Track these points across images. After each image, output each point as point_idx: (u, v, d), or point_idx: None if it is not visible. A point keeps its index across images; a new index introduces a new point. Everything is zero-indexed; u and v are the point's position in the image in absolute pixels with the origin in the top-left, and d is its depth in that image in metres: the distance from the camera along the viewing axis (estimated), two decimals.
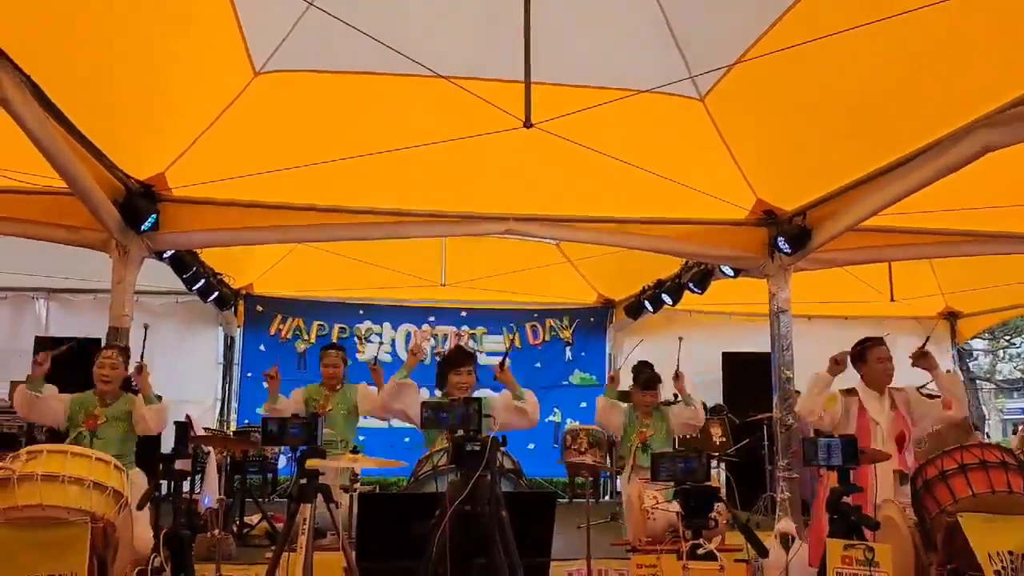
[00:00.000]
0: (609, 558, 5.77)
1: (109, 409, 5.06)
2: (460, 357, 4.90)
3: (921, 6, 4.04)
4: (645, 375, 6.18)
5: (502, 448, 3.22)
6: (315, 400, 6.21)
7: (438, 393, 4.85)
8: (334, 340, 11.35)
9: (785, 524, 6.16)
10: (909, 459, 4.97)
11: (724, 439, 9.08)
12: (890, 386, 5.25)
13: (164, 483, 4.33)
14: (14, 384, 9.65)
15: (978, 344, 23.07)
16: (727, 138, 6.16)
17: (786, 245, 6.84)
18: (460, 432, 3.02)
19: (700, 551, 2.91)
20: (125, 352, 5.30)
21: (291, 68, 5.50)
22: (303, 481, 3.49)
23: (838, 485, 3.24)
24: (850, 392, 5.27)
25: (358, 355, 11.18)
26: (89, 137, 5.44)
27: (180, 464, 4.02)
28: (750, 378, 9.79)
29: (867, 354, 5.21)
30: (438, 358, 11.35)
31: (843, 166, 6.11)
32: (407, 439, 10.16)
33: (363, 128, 6.11)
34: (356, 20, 4.70)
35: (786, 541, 5.83)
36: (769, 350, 7.37)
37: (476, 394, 4.59)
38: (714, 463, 8.13)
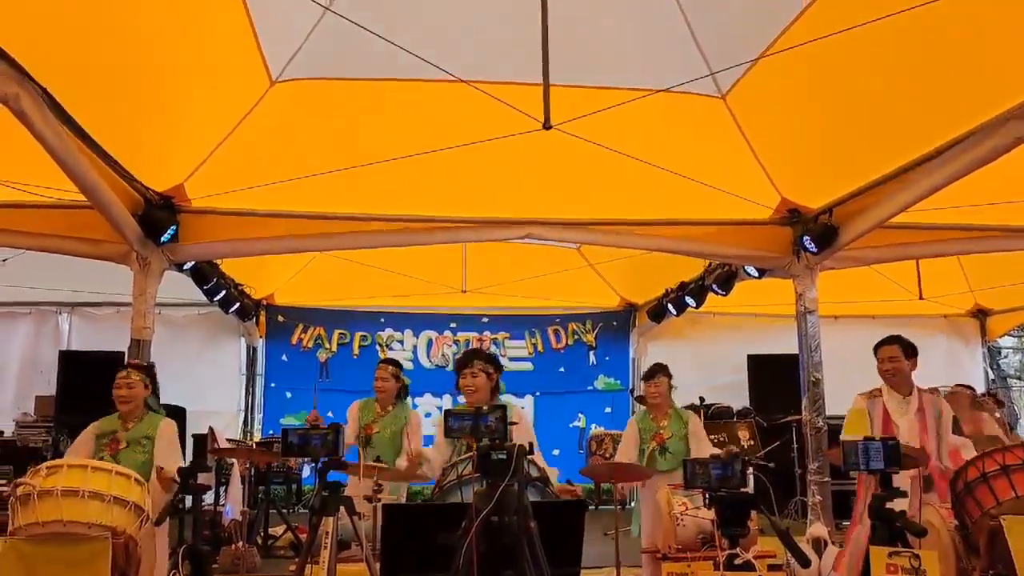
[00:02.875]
0: (638, 566, 5.65)
1: (131, 432, 4.71)
2: (464, 359, 4.72)
3: None
4: (648, 369, 5.99)
5: (529, 456, 3.15)
6: (367, 418, 5.95)
7: (461, 399, 4.75)
8: (355, 348, 11.35)
9: (817, 528, 6.04)
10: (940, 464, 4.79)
11: (752, 442, 8.95)
12: (924, 389, 5.06)
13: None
14: (39, 399, 9.78)
15: (1007, 342, 22.65)
16: (749, 136, 6.07)
17: (812, 244, 6.72)
18: (485, 440, 2.95)
19: (737, 561, 2.82)
20: (144, 369, 5.05)
21: (308, 76, 5.47)
22: (325, 493, 3.44)
23: (880, 490, 3.13)
24: (876, 394, 5.11)
25: None
26: (107, 150, 5.43)
27: (202, 478, 3.96)
28: (777, 380, 9.70)
29: (876, 356, 5.08)
30: None
31: (870, 162, 6.00)
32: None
33: (381, 134, 6.07)
34: (372, 25, 4.65)
35: (818, 546, 5.71)
36: (795, 351, 7.26)
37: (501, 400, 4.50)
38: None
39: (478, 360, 4.66)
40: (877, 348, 5.06)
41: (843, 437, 4.91)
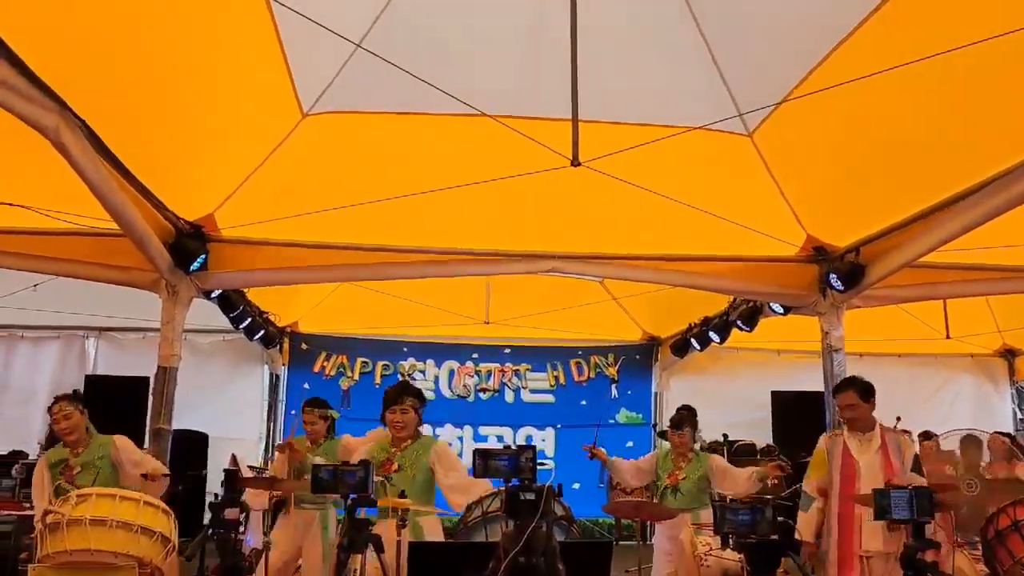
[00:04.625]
0: None
1: (81, 457, 4.88)
2: (396, 394, 4.60)
3: (978, 40, 3.94)
4: (675, 416, 6.08)
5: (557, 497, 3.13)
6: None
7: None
8: (377, 377, 11.35)
9: None
10: None
11: (776, 481, 8.83)
12: (889, 427, 5.11)
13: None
14: None
15: None
16: (776, 174, 6.06)
17: (839, 282, 6.68)
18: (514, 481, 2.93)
19: None
20: (70, 398, 5.13)
21: (338, 109, 5.54)
22: (353, 531, 3.43)
23: (911, 540, 3.08)
24: (837, 434, 5.19)
25: None
26: (140, 179, 5.51)
27: (229, 513, 3.96)
28: (801, 418, 9.56)
29: (835, 401, 5.17)
30: (482, 395, 11.35)
31: (897, 202, 5.97)
32: None
33: (409, 168, 6.12)
34: (402, 61, 4.71)
35: None
36: (819, 388, 7.19)
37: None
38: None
39: (408, 396, 4.59)
40: (835, 394, 5.11)
41: (805, 479, 5.12)
